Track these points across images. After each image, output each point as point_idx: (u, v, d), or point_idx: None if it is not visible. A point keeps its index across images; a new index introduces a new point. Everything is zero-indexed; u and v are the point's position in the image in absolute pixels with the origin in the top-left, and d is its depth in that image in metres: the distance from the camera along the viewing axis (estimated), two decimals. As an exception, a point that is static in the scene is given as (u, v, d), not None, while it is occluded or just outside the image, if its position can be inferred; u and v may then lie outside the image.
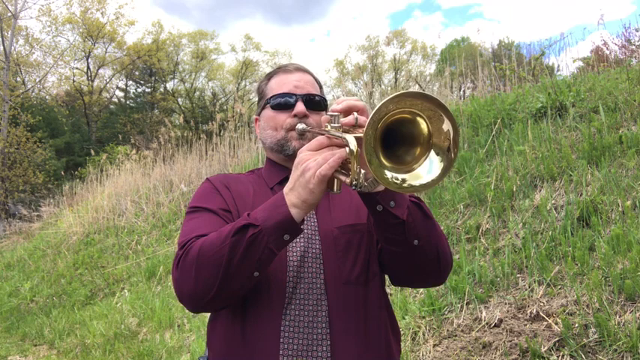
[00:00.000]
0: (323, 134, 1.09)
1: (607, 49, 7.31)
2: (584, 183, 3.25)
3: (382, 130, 0.89)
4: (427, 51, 35.59)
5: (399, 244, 1.09)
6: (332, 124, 1.04)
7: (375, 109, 0.84)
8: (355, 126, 1.00)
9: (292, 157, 1.27)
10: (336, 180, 1.07)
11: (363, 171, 0.93)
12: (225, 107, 27.73)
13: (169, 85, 34.55)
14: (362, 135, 0.89)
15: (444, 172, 0.92)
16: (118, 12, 29.41)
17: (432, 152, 0.93)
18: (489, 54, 10.46)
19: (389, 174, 0.90)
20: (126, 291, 6.20)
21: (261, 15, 59.56)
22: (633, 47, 6.69)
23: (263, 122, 1.37)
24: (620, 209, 2.93)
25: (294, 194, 1.00)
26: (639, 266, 2.46)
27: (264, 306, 1.14)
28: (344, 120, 1.01)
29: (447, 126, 0.91)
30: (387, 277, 1.32)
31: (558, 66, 7.61)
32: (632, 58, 5.97)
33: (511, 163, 3.93)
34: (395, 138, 0.94)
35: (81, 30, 27.82)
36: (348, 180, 0.95)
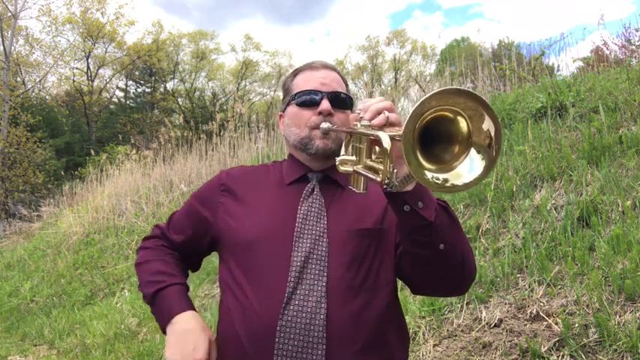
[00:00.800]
0: (348, 132, 1.05)
1: (607, 49, 7.30)
2: (584, 183, 3.25)
3: (420, 128, 0.84)
4: (427, 51, 35.63)
5: (424, 246, 1.05)
6: (362, 122, 1.00)
7: (417, 103, 0.80)
8: (386, 125, 0.95)
9: (315, 156, 1.29)
10: (362, 179, 1.02)
11: (395, 170, 0.90)
12: (225, 107, 27.73)
13: (169, 85, 34.55)
14: (396, 133, 0.85)
15: (487, 170, 0.87)
16: (118, 12, 29.33)
17: (473, 150, 0.88)
18: (489, 54, 10.45)
19: (429, 174, 0.85)
20: (126, 291, 6.20)
21: (261, 15, 59.57)
22: (633, 47, 6.69)
23: (287, 119, 1.35)
24: (620, 209, 2.93)
25: (170, 340, 1.21)
26: (639, 266, 2.46)
27: (263, 305, 1.13)
28: (375, 121, 0.97)
29: (487, 125, 0.86)
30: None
31: (558, 66, 7.58)
32: (632, 58, 5.97)
33: (511, 163, 3.93)
34: (432, 137, 0.88)
35: (81, 30, 27.80)
36: (379, 179, 0.92)
